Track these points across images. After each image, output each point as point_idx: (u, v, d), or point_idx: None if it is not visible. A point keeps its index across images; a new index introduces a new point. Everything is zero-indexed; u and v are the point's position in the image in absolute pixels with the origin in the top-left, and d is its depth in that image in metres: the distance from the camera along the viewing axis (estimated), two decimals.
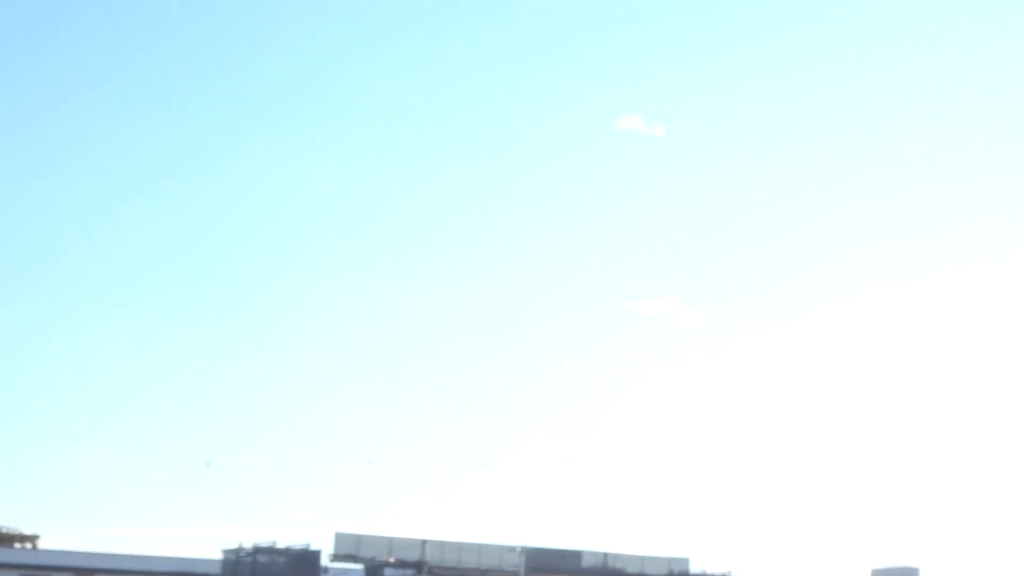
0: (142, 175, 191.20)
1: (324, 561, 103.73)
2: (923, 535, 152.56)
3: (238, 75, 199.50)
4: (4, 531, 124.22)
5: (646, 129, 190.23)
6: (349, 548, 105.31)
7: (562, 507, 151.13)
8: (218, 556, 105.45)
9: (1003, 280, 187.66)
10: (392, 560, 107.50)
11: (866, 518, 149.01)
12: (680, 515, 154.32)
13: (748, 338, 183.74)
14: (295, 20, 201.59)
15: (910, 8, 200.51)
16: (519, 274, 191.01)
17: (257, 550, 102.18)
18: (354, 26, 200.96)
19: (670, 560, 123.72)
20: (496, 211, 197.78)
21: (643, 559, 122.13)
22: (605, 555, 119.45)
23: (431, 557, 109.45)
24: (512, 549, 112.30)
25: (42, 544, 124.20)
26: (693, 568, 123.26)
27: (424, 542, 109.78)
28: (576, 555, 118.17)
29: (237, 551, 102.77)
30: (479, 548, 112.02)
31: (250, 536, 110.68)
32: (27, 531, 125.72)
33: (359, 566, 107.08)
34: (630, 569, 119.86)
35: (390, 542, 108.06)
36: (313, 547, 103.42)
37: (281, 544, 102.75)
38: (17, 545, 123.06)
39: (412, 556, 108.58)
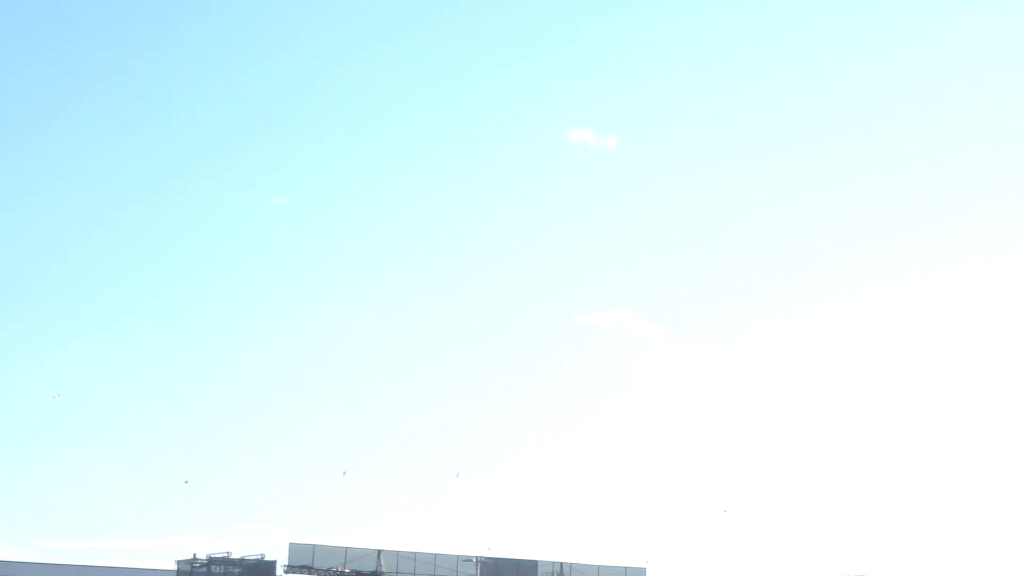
0: (109, 185, 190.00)
1: (279, 572, 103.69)
2: (885, 544, 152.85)
3: (193, 84, 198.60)
4: None
5: (597, 141, 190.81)
6: (304, 558, 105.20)
7: (517, 517, 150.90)
8: (172, 567, 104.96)
9: (957, 288, 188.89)
10: (347, 570, 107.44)
11: (827, 527, 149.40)
12: (637, 525, 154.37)
13: (702, 349, 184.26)
14: (258, 31, 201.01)
15: (860, 19, 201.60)
16: (469, 286, 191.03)
17: (211, 561, 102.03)
18: (312, 42, 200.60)
19: (626, 570, 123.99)
20: (449, 223, 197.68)
21: (599, 568, 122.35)
22: (561, 565, 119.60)
23: (386, 567, 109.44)
24: (468, 559, 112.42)
25: None
26: None
27: (379, 552, 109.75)
28: (532, 565, 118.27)
29: (191, 562, 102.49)
30: (434, 558, 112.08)
31: (204, 547, 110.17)
32: None
33: None
34: None
35: (345, 552, 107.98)
36: (268, 558, 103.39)
37: (235, 555, 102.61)
38: None
39: (367, 566, 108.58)
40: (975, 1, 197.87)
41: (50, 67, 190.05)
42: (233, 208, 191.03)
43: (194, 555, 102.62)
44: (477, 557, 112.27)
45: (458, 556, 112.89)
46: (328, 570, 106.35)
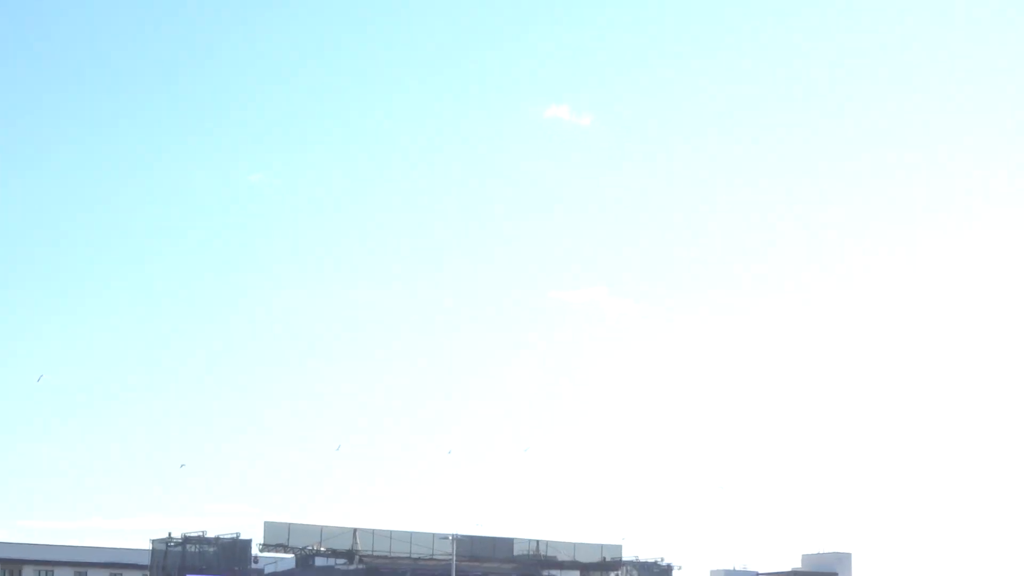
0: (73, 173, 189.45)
1: (254, 551, 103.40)
2: (854, 521, 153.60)
3: (167, 63, 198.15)
4: None
5: (573, 118, 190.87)
6: (279, 537, 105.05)
7: (496, 495, 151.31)
8: (147, 547, 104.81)
9: (937, 268, 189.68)
10: (323, 549, 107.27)
11: (798, 504, 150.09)
12: (613, 502, 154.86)
13: (677, 326, 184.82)
14: (234, 10, 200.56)
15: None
16: (445, 262, 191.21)
17: (187, 540, 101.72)
18: (288, 20, 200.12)
19: (603, 547, 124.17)
20: (425, 200, 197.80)
21: (576, 546, 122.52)
22: (537, 542, 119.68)
23: (362, 545, 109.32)
24: (444, 537, 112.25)
25: None
26: (626, 554, 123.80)
27: (355, 530, 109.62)
28: (508, 543, 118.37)
29: (166, 541, 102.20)
30: (410, 536, 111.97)
31: (179, 526, 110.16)
32: None
33: (289, 555, 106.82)
34: (562, 556, 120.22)
35: (320, 531, 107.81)
36: (243, 537, 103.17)
37: (211, 534, 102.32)
38: None
39: (343, 545, 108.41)
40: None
41: (20, 49, 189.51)
42: (209, 186, 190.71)
43: (169, 534, 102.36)
44: (453, 535, 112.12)
45: (434, 534, 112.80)
46: (303, 548, 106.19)
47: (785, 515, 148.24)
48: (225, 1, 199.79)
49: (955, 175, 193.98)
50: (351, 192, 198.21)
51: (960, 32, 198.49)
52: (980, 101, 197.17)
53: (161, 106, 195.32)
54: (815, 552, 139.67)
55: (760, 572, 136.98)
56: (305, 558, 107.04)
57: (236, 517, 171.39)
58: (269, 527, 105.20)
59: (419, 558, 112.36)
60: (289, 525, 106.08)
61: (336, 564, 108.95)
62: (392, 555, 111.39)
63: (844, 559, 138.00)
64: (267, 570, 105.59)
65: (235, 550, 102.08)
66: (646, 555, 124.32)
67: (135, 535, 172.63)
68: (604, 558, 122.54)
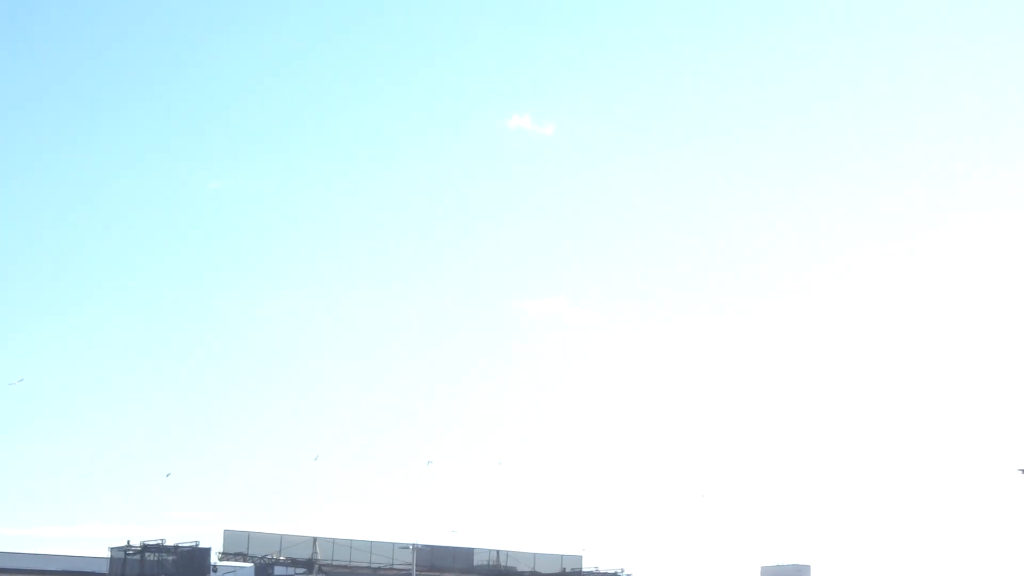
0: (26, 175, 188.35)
1: (213, 559, 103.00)
2: (813, 533, 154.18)
3: (126, 69, 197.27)
4: None
5: (536, 127, 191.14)
6: (239, 546, 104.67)
7: (456, 506, 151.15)
8: (106, 554, 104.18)
9: (908, 270, 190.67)
10: (282, 558, 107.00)
11: (757, 515, 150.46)
12: (573, 513, 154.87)
13: (637, 338, 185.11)
14: (195, 14, 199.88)
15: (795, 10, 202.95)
16: (406, 271, 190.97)
17: (145, 548, 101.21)
18: (251, 28, 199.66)
19: (563, 557, 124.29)
20: (387, 209, 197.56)
21: (536, 556, 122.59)
22: (497, 553, 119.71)
23: (322, 555, 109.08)
24: (404, 547, 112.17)
25: None
26: (586, 565, 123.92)
27: (315, 540, 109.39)
28: (468, 553, 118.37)
29: (125, 549, 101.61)
30: (371, 546, 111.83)
31: (138, 534, 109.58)
32: None
33: (249, 564, 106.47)
34: (522, 566, 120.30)
35: (280, 540, 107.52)
36: (202, 545, 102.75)
37: (170, 542, 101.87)
38: None
39: (303, 554, 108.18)
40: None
41: None
42: (168, 193, 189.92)
43: (127, 542, 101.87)
44: (413, 545, 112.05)
45: (394, 544, 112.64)
46: (263, 557, 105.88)
47: (745, 526, 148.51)
48: (186, 11, 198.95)
49: (928, 179, 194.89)
50: (312, 202, 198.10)
51: (924, 29, 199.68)
52: (955, 100, 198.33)
53: (121, 113, 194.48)
54: (774, 564, 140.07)
55: None
56: (264, 567, 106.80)
57: (196, 525, 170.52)
58: (228, 535, 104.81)
59: (379, 567, 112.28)
60: (249, 534, 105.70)
61: (295, 573, 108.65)
62: (352, 564, 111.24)
63: (803, 571, 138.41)
64: None
65: (194, 559, 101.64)
66: (606, 566, 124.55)
67: (93, 543, 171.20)
68: (564, 569, 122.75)
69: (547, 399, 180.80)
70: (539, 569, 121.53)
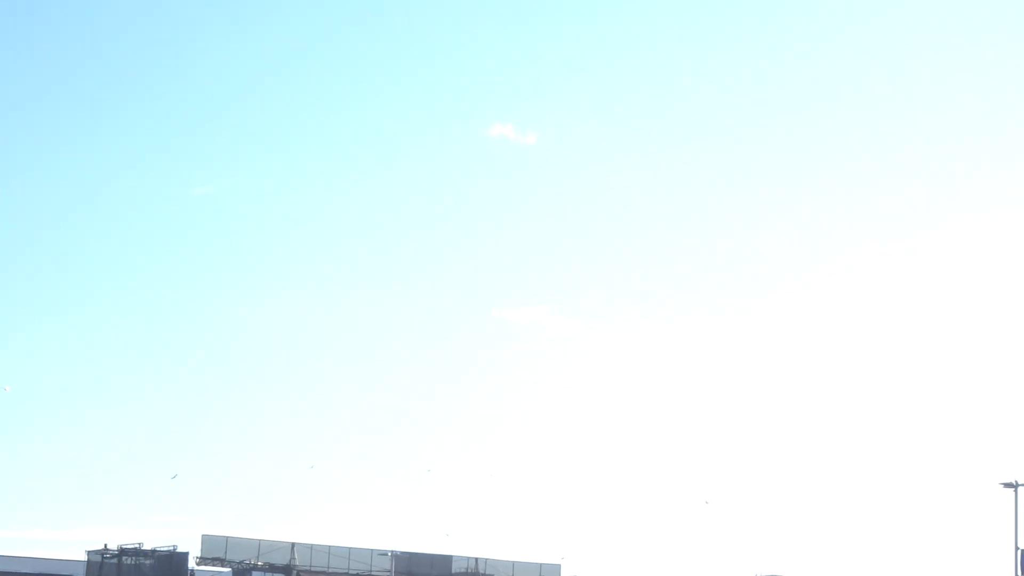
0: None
1: (191, 564, 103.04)
2: (798, 543, 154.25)
3: (107, 73, 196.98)
4: None
5: (518, 136, 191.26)
6: (216, 550, 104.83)
7: (434, 513, 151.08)
8: (83, 558, 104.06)
9: (885, 276, 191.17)
10: (260, 563, 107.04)
11: (740, 525, 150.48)
12: (552, 522, 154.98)
13: (619, 345, 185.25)
14: (177, 17, 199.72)
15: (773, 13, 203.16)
16: (388, 279, 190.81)
17: (123, 551, 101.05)
18: (233, 33, 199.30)
19: (541, 566, 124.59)
20: (370, 216, 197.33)
21: (514, 564, 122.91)
22: (476, 560, 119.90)
23: (300, 560, 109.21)
24: (383, 553, 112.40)
25: None
26: (564, 574, 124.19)
27: (293, 545, 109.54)
28: (446, 560, 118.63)
29: (102, 553, 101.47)
30: (349, 552, 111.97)
31: (116, 538, 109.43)
32: None
33: (227, 569, 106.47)
34: (500, 574, 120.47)
35: (258, 545, 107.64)
36: (180, 549, 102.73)
37: (147, 546, 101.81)
38: None
39: (281, 559, 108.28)
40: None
41: None
42: (152, 199, 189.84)
43: (105, 546, 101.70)
44: (392, 551, 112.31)
45: (372, 550, 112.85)
46: (241, 562, 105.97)
47: (736, 535, 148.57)
48: (169, 14, 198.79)
49: (924, 181, 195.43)
50: (293, 209, 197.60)
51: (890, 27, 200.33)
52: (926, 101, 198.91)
53: (104, 118, 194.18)
54: (764, 574, 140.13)
55: None
56: (242, 572, 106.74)
57: (174, 529, 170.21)
58: (207, 540, 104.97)
59: (357, 574, 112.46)
60: (227, 538, 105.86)
61: None
62: (330, 570, 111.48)
63: None
64: None
65: (172, 563, 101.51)
66: (585, 575, 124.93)
67: (71, 546, 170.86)
68: None
69: (529, 407, 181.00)
70: None
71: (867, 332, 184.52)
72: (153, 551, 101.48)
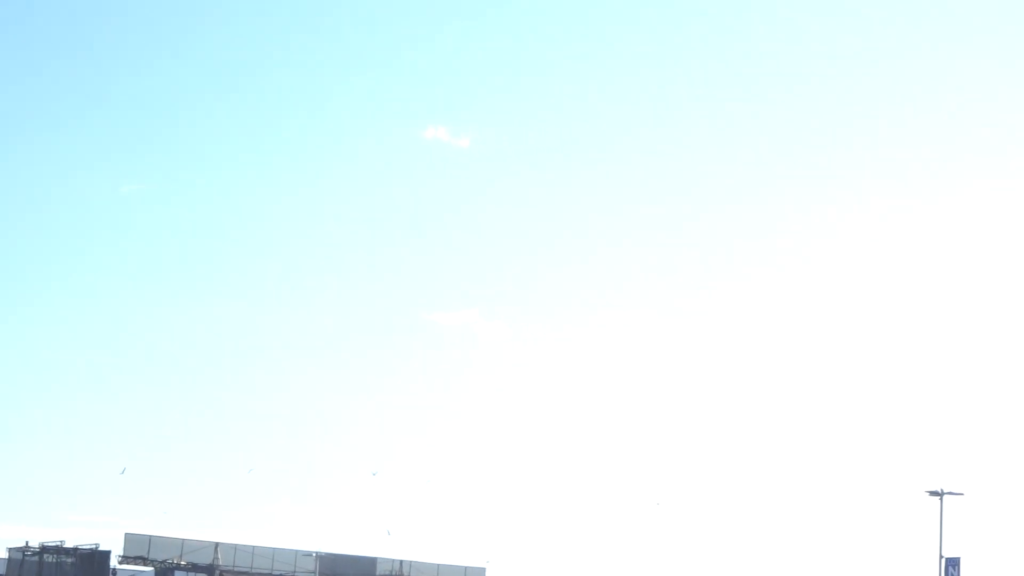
0: None
1: (113, 562, 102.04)
2: (727, 547, 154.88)
3: (31, 68, 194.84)
4: None
5: (452, 139, 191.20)
6: (139, 549, 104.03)
7: (360, 515, 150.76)
8: (3, 555, 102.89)
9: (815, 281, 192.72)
10: (183, 563, 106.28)
11: (668, 530, 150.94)
12: (478, 525, 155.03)
13: (548, 351, 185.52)
14: (107, 15, 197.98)
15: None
16: (318, 280, 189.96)
17: (44, 549, 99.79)
18: (166, 32, 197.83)
19: (466, 569, 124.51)
20: (301, 217, 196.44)
21: (439, 567, 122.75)
22: (400, 563, 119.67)
23: (224, 560, 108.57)
24: (307, 554, 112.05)
25: None
26: None
27: (217, 545, 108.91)
28: (371, 562, 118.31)
29: (23, 550, 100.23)
30: (273, 552, 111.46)
31: (37, 535, 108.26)
32: None
33: (149, 568, 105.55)
34: None
35: (182, 544, 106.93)
36: (103, 548, 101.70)
37: (69, 544, 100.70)
38: None
39: (204, 559, 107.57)
40: None
41: None
42: (78, 197, 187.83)
43: (26, 543, 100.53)
44: (316, 552, 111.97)
45: (297, 551, 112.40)
46: (164, 562, 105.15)
47: (652, 542, 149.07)
48: (97, 10, 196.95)
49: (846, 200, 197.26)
50: (225, 206, 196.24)
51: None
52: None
53: (28, 113, 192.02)
54: None
55: None
56: (165, 571, 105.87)
57: (97, 528, 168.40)
58: (129, 539, 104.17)
59: (280, 574, 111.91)
60: (150, 537, 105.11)
61: None
62: (253, 571, 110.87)
63: None
64: None
65: (94, 561, 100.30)
66: None
67: None
68: None
69: (458, 410, 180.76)
70: None
71: (795, 338, 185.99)
72: (75, 549, 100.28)
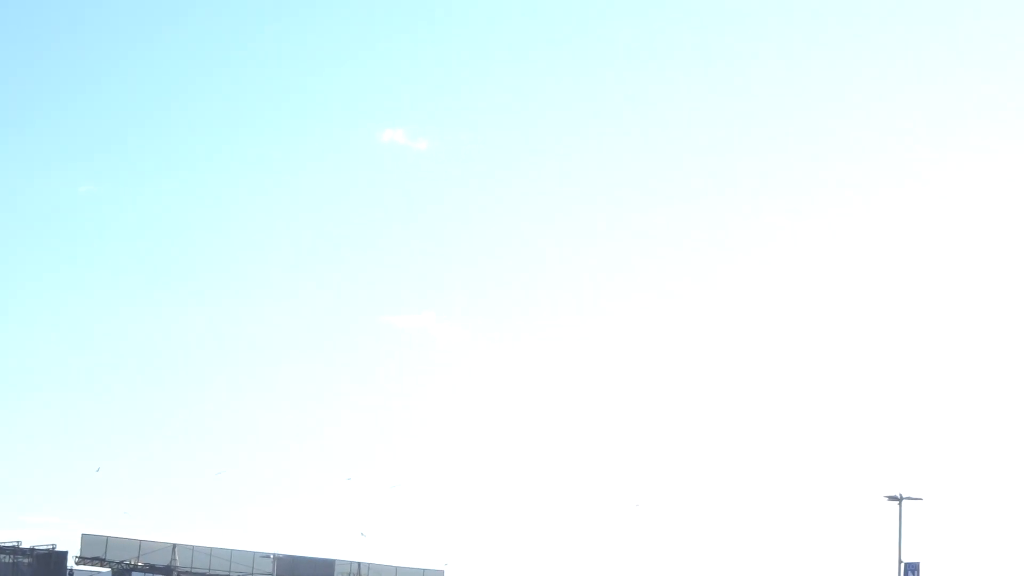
0: None
1: (70, 563, 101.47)
2: (683, 552, 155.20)
3: None
4: None
5: (409, 142, 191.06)
6: (96, 550, 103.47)
7: (318, 517, 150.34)
8: None
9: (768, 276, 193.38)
10: (141, 564, 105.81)
11: (629, 533, 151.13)
12: (437, 527, 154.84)
13: (505, 354, 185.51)
14: (67, 14, 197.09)
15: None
16: (274, 283, 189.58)
17: (0, 549, 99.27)
18: (120, 27, 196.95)
19: (424, 571, 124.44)
20: (256, 219, 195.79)
21: (397, 569, 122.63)
22: (359, 565, 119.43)
23: (181, 562, 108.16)
24: (265, 556, 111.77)
25: None
26: None
27: (174, 546, 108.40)
28: (329, 564, 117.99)
29: None
30: (231, 554, 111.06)
31: None
32: None
33: (106, 569, 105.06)
34: None
35: (139, 545, 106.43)
36: (59, 548, 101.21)
37: (26, 544, 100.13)
38: None
39: (162, 560, 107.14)
40: None
41: None
42: (36, 197, 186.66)
43: None
44: (274, 554, 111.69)
45: (255, 553, 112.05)
46: (121, 563, 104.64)
47: (614, 545, 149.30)
48: (58, 10, 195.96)
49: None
50: (181, 211, 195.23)
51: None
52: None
53: None
54: None
55: None
56: (122, 572, 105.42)
57: (53, 529, 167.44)
58: (86, 539, 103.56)
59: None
60: (107, 538, 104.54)
61: None
62: (211, 572, 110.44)
63: None
64: None
65: (50, 562, 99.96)
66: None
67: None
68: None
69: (415, 413, 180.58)
70: None
71: (754, 345, 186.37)
72: (31, 550, 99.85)
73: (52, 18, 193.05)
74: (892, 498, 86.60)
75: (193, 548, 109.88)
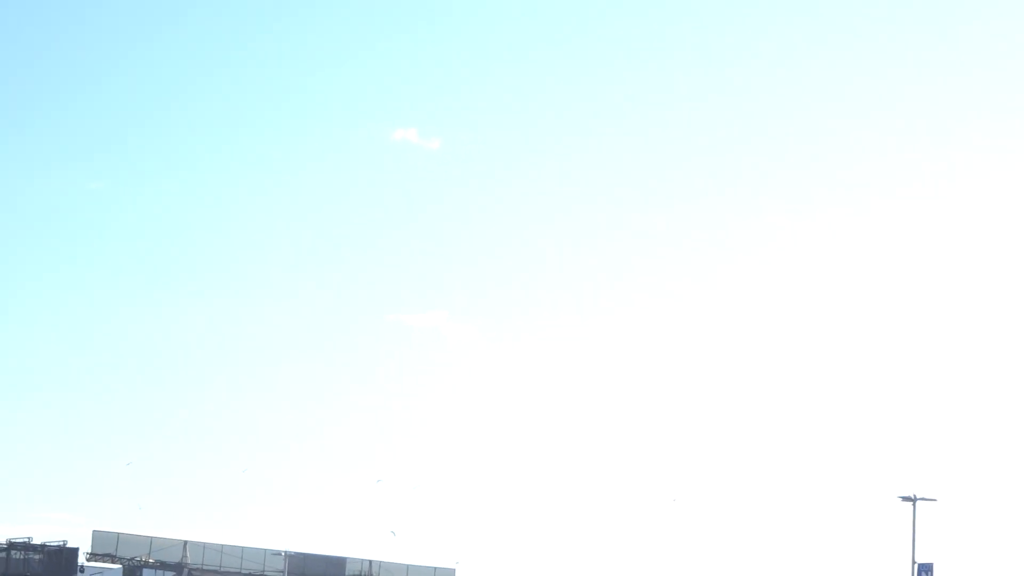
0: None
1: (81, 559, 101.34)
2: (696, 551, 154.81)
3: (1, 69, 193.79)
4: None
5: (421, 141, 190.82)
6: (107, 547, 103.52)
7: (329, 514, 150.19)
8: None
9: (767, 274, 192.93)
10: (151, 560, 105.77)
11: (639, 533, 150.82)
12: (447, 526, 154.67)
13: (516, 353, 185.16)
14: (74, 12, 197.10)
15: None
16: (286, 281, 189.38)
17: (11, 546, 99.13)
18: (129, 25, 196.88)
19: (436, 570, 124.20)
20: (269, 218, 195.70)
21: (408, 567, 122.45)
22: (370, 563, 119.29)
23: (192, 559, 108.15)
24: (276, 553, 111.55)
25: None
26: None
27: (185, 543, 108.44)
28: (340, 561, 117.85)
29: None
30: (242, 551, 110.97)
31: (3, 532, 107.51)
32: None
33: (117, 566, 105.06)
34: None
35: (150, 542, 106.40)
36: (70, 545, 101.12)
37: (37, 540, 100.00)
38: None
39: (172, 557, 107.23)
40: None
41: None
42: (46, 193, 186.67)
43: None
44: (285, 552, 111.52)
45: (266, 550, 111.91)
46: (132, 559, 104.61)
47: (623, 545, 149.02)
48: (64, 8, 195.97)
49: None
50: (191, 206, 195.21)
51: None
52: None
53: None
54: None
55: None
56: (132, 569, 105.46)
57: (65, 526, 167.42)
58: (97, 536, 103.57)
59: (250, 573, 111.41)
60: (118, 535, 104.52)
61: None
62: (222, 569, 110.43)
63: None
64: None
65: (61, 558, 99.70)
66: None
67: None
68: None
69: (426, 412, 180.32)
70: None
71: (768, 345, 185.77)
72: (42, 546, 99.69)
73: (61, 17, 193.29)
74: (906, 499, 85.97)
75: (204, 545, 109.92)
